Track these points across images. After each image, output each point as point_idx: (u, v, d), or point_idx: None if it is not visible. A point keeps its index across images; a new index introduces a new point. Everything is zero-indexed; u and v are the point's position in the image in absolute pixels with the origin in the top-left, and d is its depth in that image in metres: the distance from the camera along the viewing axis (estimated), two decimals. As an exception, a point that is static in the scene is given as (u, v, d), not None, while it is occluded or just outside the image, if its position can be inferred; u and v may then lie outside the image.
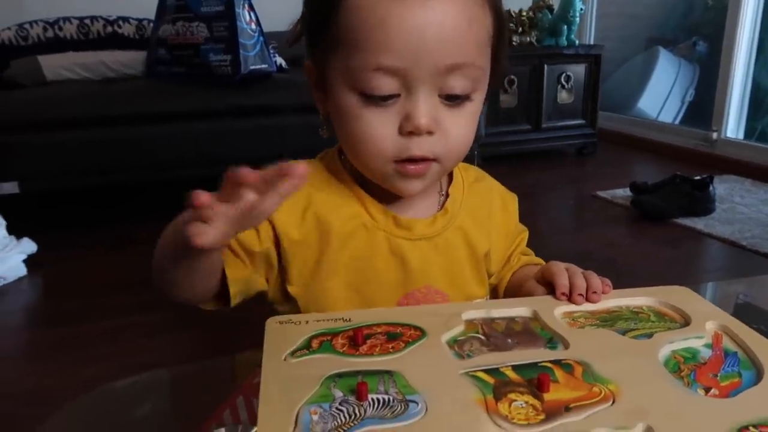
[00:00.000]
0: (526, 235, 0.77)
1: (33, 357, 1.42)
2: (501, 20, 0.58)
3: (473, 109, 0.58)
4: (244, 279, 0.60)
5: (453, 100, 0.56)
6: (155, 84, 2.32)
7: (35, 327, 1.59)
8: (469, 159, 0.76)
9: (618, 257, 1.95)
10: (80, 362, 1.33)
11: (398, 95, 0.55)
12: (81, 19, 2.47)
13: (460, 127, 0.57)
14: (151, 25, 2.46)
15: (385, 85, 0.54)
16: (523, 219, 0.79)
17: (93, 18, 2.49)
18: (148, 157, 2.18)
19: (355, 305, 0.62)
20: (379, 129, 0.56)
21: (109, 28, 2.52)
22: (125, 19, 2.55)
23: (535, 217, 2.39)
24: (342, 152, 0.65)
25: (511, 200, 0.75)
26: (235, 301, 0.61)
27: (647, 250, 2.07)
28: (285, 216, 0.61)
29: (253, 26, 2.29)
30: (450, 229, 0.66)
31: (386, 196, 0.63)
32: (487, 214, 0.70)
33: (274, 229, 0.61)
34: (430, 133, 0.56)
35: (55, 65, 2.33)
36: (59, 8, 2.52)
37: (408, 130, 0.55)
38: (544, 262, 0.76)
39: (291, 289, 0.62)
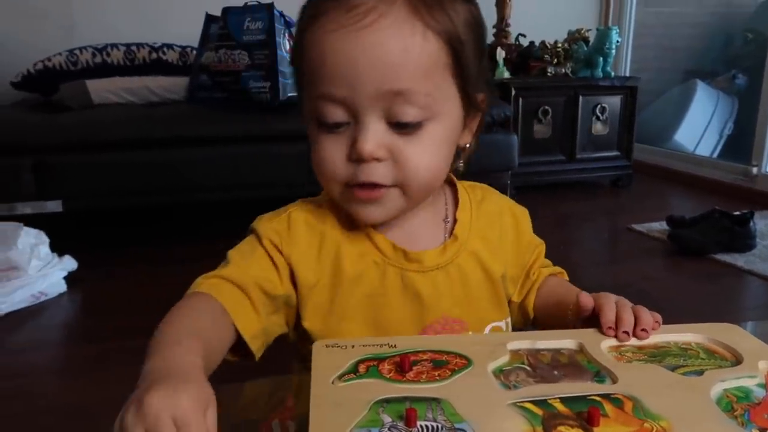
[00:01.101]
0: (543, 248, 0.75)
1: (72, 372, 1.45)
2: (456, 46, 0.57)
3: (433, 137, 0.58)
4: (262, 330, 0.61)
5: (403, 127, 0.57)
6: (196, 109, 2.39)
7: (74, 342, 1.63)
8: (501, 189, 0.77)
9: (654, 291, 1.92)
10: (119, 378, 1.34)
11: (347, 123, 0.57)
12: (128, 45, 2.57)
13: (418, 154, 0.58)
14: (194, 52, 2.55)
15: (332, 113, 0.57)
16: (556, 250, 0.79)
17: (139, 45, 2.59)
18: (187, 179, 2.24)
19: None
20: (330, 155, 0.58)
21: (154, 55, 2.60)
22: (169, 46, 2.64)
23: (569, 249, 2.37)
24: None
25: (522, 214, 0.74)
26: (259, 354, 0.61)
27: (684, 285, 2.03)
28: (303, 259, 0.63)
29: (293, 54, 2.35)
30: (462, 255, 0.66)
31: (394, 231, 0.64)
32: (498, 235, 0.70)
33: (292, 272, 0.62)
34: (378, 159, 0.57)
35: (101, 89, 2.42)
36: (108, 35, 2.63)
37: (353, 157, 0.57)
38: (564, 272, 0.76)
39: (306, 325, 0.63)
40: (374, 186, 0.58)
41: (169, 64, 2.62)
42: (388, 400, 0.44)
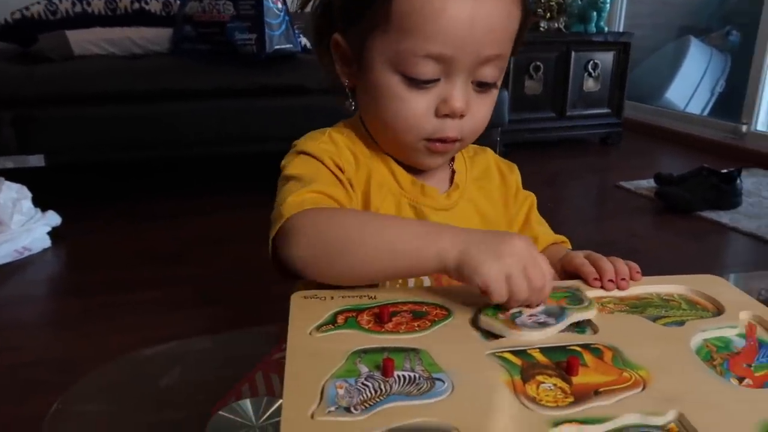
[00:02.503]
0: (533, 199, 0.77)
1: (58, 326, 1.45)
2: (527, 16, 0.62)
3: (495, 95, 0.63)
4: None
5: (483, 86, 0.60)
6: (180, 61, 2.33)
7: (60, 297, 1.62)
8: (491, 146, 0.77)
9: (641, 248, 1.93)
10: (105, 333, 1.36)
11: (438, 80, 0.58)
12: (108, -6, 2.48)
13: (484, 110, 0.62)
14: (178, 2, 2.46)
15: (430, 70, 0.57)
16: (545, 207, 0.78)
17: (120, -6, 2.50)
18: (171, 133, 2.20)
19: None
20: (417, 110, 0.59)
21: (136, 5, 2.52)
22: (152, -4, 2.55)
23: (558, 206, 2.37)
24: (363, 122, 0.67)
25: (509, 169, 0.77)
26: None
27: (671, 242, 2.05)
28: (351, 177, 0.64)
29: (279, 6, 2.28)
30: (462, 202, 0.70)
31: (409, 168, 0.67)
32: (489, 185, 0.74)
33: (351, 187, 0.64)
34: (462, 116, 0.60)
35: (82, 40, 2.35)
36: (87, -17, 2.53)
37: (444, 112, 0.59)
38: (567, 242, 0.76)
39: None
40: (453, 140, 0.62)
41: (151, 14, 2.54)
42: (365, 351, 0.44)
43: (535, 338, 0.46)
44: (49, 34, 2.34)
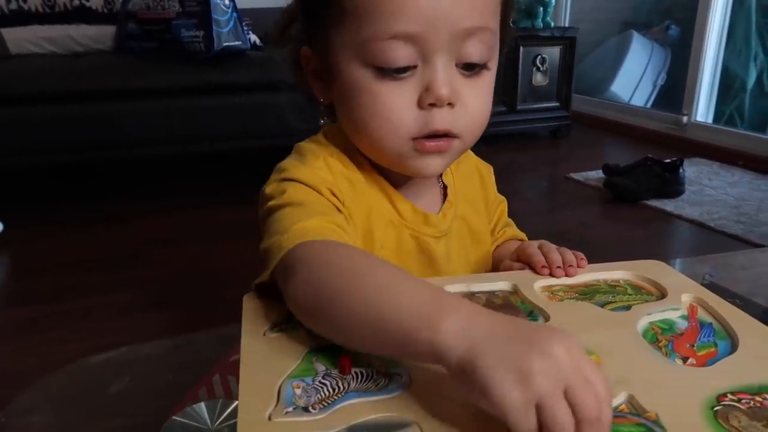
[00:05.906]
0: (504, 205, 0.76)
1: (2, 337, 1.39)
2: None
3: (490, 80, 0.56)
4: None
5: (471, 69, 0.53)
6: (125, 59, 2.27)
7: (4, 307, 1.55)
8: None
9: (590, 237, 1.98)
10: (52, 342, 1.31)
11: (415, 66, 0.51)
12: (46, -9, 2.39)
13: (479, 99, 0.55)
14: (120, -2, 2.40)
15: (401, 55, 0.50)
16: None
17: (58, -10, 2.41)
18: (117, 134, 2.14)
19: None
20: (396, 104, 0.52)
21: (76, 1, 2.43)
22: (92, -8, 2.47)
23: (510, 198, 2.39)
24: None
25: (487, 172, 0.74)
26: None
27: (619, 230, 2.11)
28: (350, 209, 0.57)
29: (227, 2, 2.24)
30: (456, 219, 0.65)
31: (403, 188, 0.61)
32: (473, 191, 0.70)
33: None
34: (450, 104, 0.53)
35: (19, 38, 2.26)
36: (23, -21, 2.43)
37: (429, 101, 0.52)
38: (526, 237, 0.77)
39: None
40: (445, 135, 0.54)
41: (92, 11, 2.46)
42: (321, 349, 0.44)
43: None
44: (-17, 33, 2.24)
